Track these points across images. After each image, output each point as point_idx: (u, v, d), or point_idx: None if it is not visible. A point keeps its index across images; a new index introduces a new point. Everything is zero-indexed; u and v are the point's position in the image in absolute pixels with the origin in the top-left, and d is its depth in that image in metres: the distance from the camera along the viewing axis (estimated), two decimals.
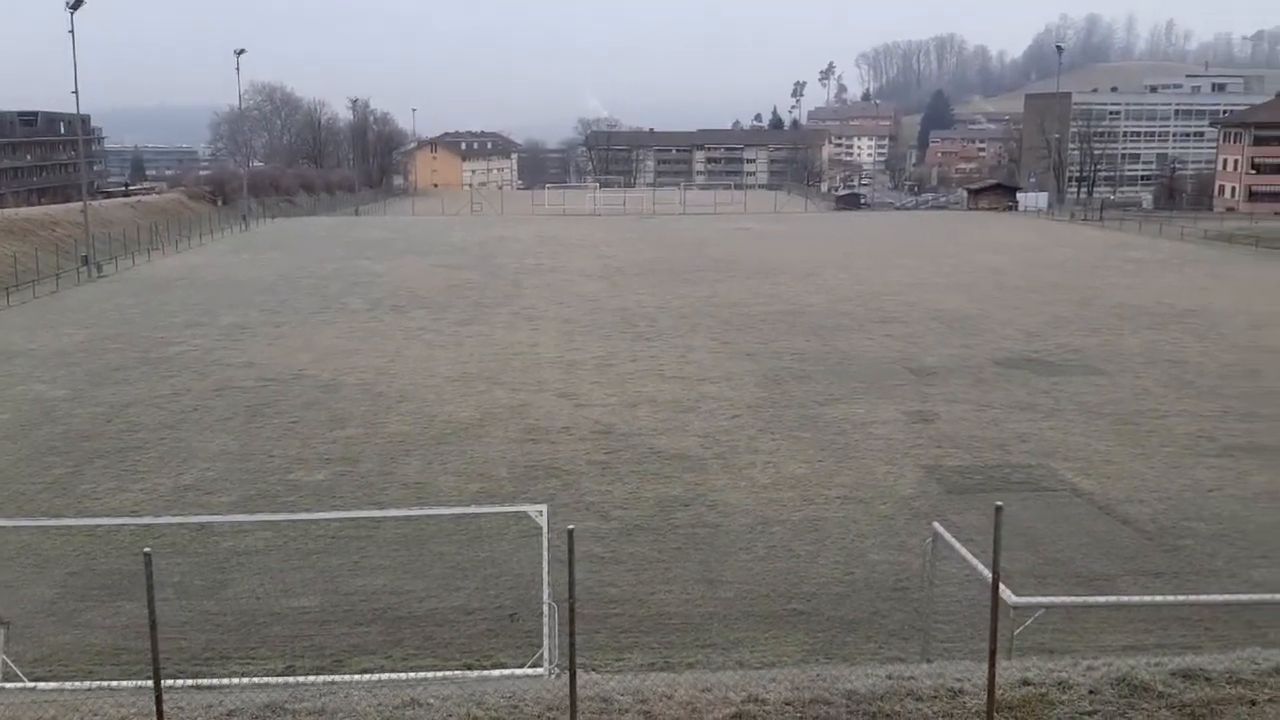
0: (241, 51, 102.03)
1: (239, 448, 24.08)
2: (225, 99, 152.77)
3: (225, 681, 11.11)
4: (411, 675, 10.86)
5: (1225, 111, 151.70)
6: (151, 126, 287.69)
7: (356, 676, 10.87)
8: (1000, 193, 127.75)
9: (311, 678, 11.16)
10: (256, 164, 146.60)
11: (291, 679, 11.29)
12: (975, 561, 11.26)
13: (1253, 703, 8.57)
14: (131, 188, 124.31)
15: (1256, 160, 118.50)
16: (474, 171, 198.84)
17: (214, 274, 59.33)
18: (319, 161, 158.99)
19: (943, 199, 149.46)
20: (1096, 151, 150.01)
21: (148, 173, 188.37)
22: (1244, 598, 13.34)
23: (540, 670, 11.31)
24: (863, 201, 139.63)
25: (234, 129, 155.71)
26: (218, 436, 25.04)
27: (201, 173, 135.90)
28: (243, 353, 35.49)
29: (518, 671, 11.39)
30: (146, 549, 7.41)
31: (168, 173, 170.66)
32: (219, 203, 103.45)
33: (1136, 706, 8.54)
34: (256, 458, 23.32)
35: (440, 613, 15.16)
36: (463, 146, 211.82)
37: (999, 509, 7.76)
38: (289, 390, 29.93)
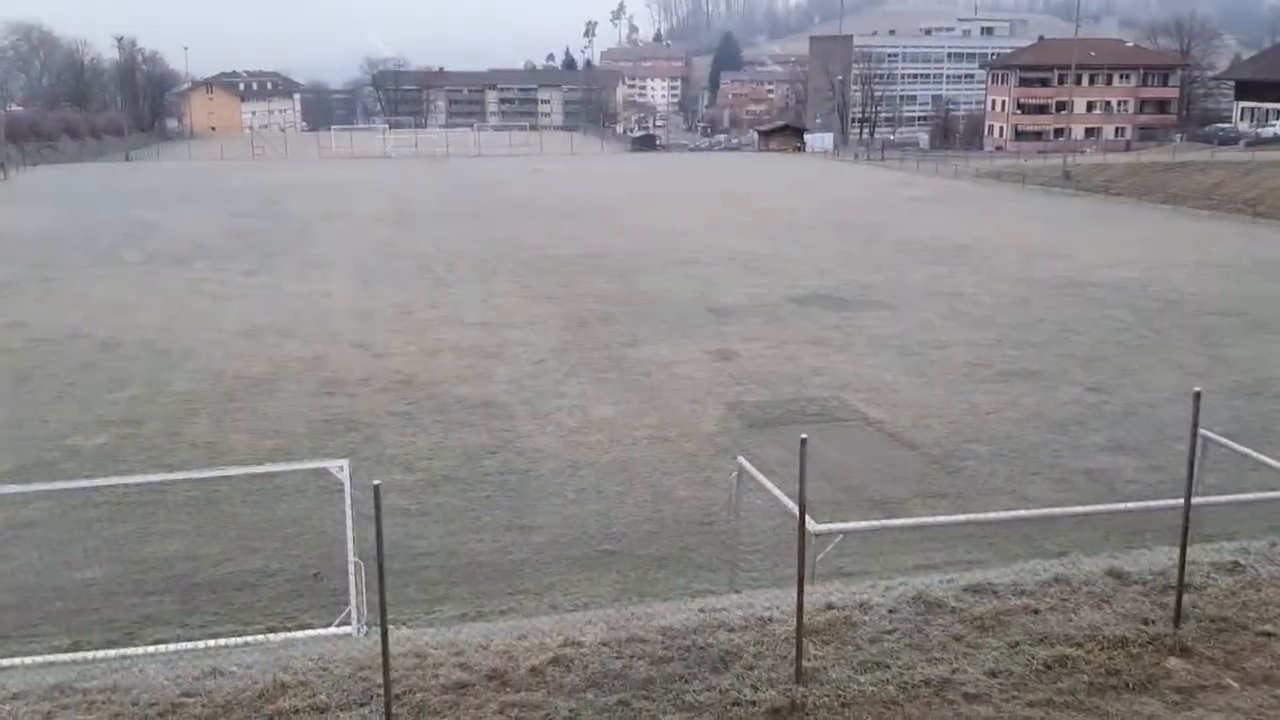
0: None
1: (8, 414, 22.38)
2: None
3: (4, 663, 10.34)
4: (211, 643, 10.37)
5: (993, 54, 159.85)
6: None
7: (151, 649, 10.30)
8: (789, 134, 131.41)
9: (101, 653, 10.53)
10: (14, 108, 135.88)
11: (79, 655, 10.63)
12: (778, 492, 11.57)
13: (1036, 611, 9.16)
14: None
15: (1021, 101, 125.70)
16: (254, 113, 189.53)
17: None
18: (83, 105, 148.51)
19: (735, 140, 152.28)
20: (877, 93, 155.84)
21: None
22: (1022, 513, 14.19)
23: (349, 629, 11.02)
24: (658, 143, 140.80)
25: None
26: None
27: None
28: (8, 312, 32.93)
29: (325, 631, 11.06)
30: None
31: None
32: None
33: (932, 622, 8.99)
34: (29, 424, 21.74)
35: (239, 576, 14.54)
36: (241, 87, 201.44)
37: (804, 441, 7.93)
38: (62, 351, 28.00)
